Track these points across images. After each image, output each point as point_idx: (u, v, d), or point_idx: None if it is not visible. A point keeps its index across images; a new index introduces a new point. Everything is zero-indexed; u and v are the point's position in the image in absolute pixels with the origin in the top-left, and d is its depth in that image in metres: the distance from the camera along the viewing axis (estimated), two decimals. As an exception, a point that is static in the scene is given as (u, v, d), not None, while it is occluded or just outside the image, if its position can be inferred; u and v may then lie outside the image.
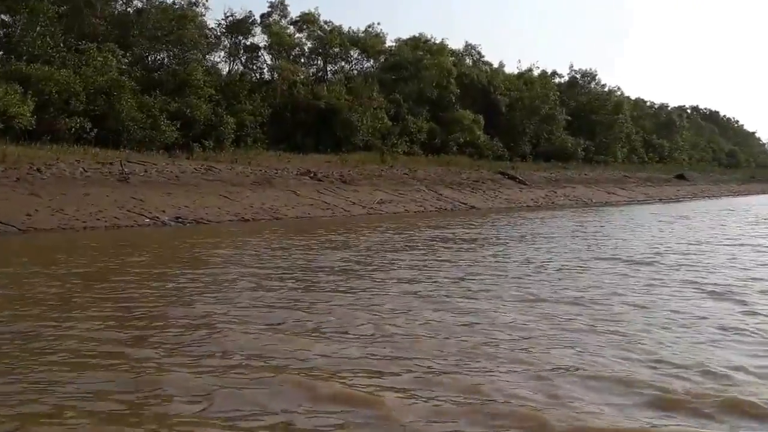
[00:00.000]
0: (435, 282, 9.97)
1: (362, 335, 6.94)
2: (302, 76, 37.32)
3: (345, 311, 7.90)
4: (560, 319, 7.65)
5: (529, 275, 10.76)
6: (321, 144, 34.83)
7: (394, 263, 12.06)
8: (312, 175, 28.16)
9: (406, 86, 41.59)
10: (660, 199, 42.78)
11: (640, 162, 60.97)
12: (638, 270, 11.37)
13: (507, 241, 16.16)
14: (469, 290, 9.31)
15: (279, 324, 7.28)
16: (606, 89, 60.07)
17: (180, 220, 18.89)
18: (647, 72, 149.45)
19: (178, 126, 28.40)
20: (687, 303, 8.57)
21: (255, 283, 9.68)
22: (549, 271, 11.30)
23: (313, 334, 6.92)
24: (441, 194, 30.63)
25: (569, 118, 52.34)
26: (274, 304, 8.33)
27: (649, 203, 39.18)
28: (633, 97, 71.14)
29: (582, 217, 25.81)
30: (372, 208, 25.42)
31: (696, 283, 10.01)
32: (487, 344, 6.60)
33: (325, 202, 24.58)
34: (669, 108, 76.67)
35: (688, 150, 75.14)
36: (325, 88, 36.75)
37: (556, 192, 37.35)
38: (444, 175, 34.42)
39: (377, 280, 10.13)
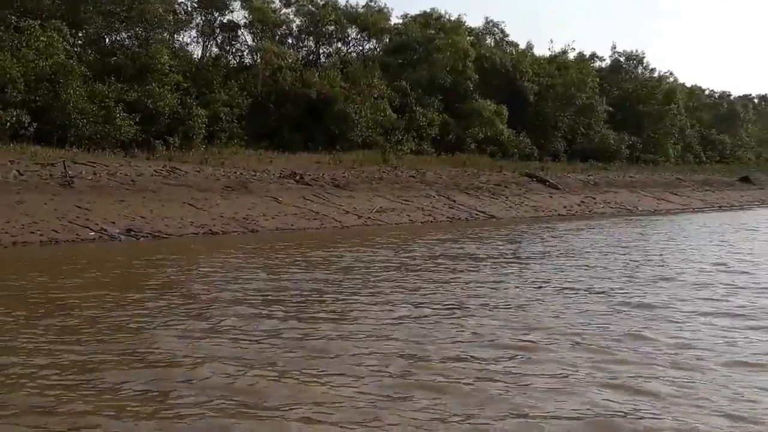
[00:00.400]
0: (418, 320, 9.44)
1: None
2: (289, 60, 37.09)
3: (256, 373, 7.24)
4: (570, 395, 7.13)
5: (537, 303, 10.32)
6: (311, 141, 34.53)
7: (376, 289, 11.70)
8: (298, 178, 27.78)
9: (414, 72, 41.29)
10: (720, 207, 42.10)
11: (696, 162, 60.37)
12: (692, 304, 10.88)
13: (525, 259, 15.67)
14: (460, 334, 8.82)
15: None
16: (655, 75, 59.75)
17: (132, 233, 18.48)
18: (705, 55, 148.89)
19: (138, 120, 28.06)
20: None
21: (173, 317, 9.24)
22: (567, 301, 10.85)
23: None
24: (454, 201, 30.17)
25: (611, 109, 51.89)
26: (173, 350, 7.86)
27: (707, 211, 38.77)
28: (688, 85, 70.87)
29: (623, 229, 25.36)
30: (370, 217, 25.01)
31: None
32: None
33: (313, 211, 24.17)
34: (731, 97, 76.17)
35: (754, 147, 74.57)
36: (317, 74, 36.43)
37: (594, 198, 36.81)
38: (458, 177, 33.97)
39: (343, 314, 9.69)
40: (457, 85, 42.71)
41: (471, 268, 14.28)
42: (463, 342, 8.44)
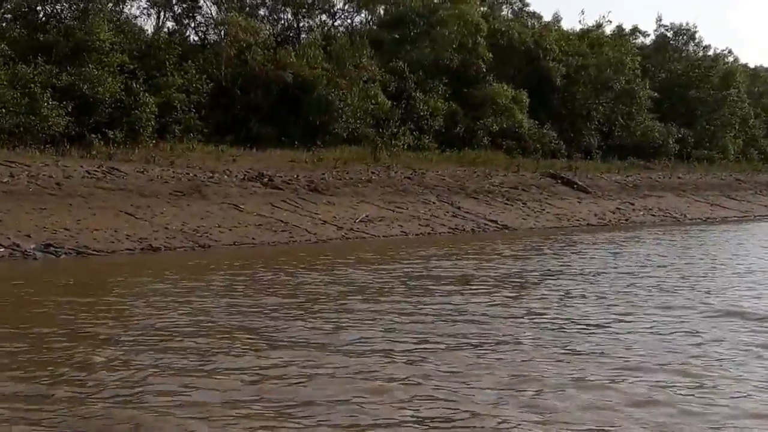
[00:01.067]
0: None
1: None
2: (261, 36, 36.67)
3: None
4: None
5: (529, 342, 9.89)
6: (286, 135, 34.14)
7: (319, 322, 11.31)
8: (266, 180, 27.51)
9: (414, 50, 41.00)
10: None
11: (761, 159, 59.84)
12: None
13: (522, 284, 15.24)
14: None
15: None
16: (710, 53, 59.27)
17: (52, 249, 18.11)
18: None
19: (71, 109, 27.71)
20: None
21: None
22: (569, 339, 10.41)
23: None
24: (459, 208, 29.93)
25: (656, 95, 51.44)
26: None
27: None
28: (751, 65, 70.41)
29: (663, 241, 25.12)
30: (352, 229, 24.75)
31: None
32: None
33: (281, 221, 23.91)
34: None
35: (835, 141, 74.05)
36: (294, 53, 36.06)
37: (632, 204, 36.60)
38: (466, 179, 33.69)
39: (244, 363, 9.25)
40: (466, 66, 42.29)
41: (445, 294, 13.89)
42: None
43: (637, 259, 20.06)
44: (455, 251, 21.05)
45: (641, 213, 35.28)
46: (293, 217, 24.61)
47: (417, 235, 25.72)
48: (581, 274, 16.90)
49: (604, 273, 17.14)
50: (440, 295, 13.77)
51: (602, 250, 22.36)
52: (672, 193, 40.89)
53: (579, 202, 34.85)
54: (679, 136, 51.88)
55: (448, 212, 29.18)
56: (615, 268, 18.15)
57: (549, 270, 17.52)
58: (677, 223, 34.20)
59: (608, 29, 52.92)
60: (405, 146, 37.03)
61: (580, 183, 37.29)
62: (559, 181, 37.09)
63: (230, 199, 24.91)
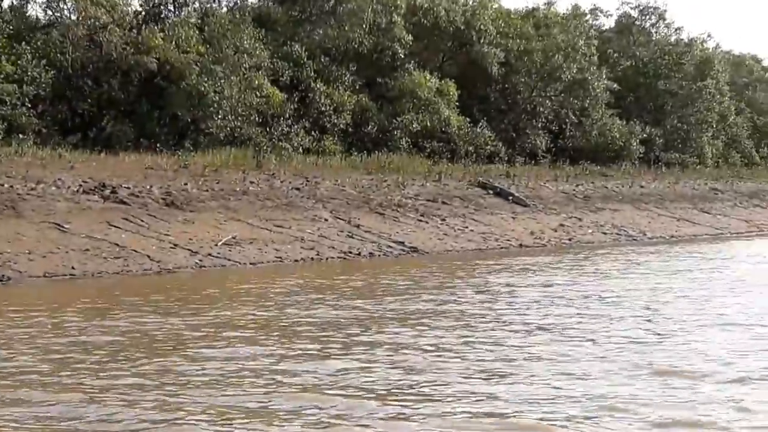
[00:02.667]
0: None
1: None
2: (120, 13, 35.45)
3: None
4: None
5: None
6: (147, 135, 33.33)
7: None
8: (110, 192, 26.02)
9: (314, 31, 40.05)
10: None
11: (744, 164, 59.65)
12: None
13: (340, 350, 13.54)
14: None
15: None
16: (683, 37, 59.00)
17: None
18: (763, 13, 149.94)
19: None
20: None
21: None
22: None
23: None
24: (358, 226, 28.69)
25: (615, 86, 50.83)
26: None
27: (750, 237, 38.13)
28: (734, 52, 70.48)
29: (608, 271, 24.11)
30: (210, 254, 23.28)
31: None
32: None
33: (117, 245, 22.41)
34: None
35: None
36: (160, 34, 34.78)
37: (580, 219, 35.89)
38: (372, 189, 32.64)
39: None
40: (380, 50, 41.60)
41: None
42: None
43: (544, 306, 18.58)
44: (327, 288, 19.77)
45: (590, 231, 34.40)
46: (135, 239, 23.09)
47: (296, 261, 24.41)
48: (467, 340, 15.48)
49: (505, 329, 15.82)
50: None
51: (517, 290, 21.09)
52: (631, 205, 40.24)
53: (513, 218, 33.87)
54: (645, 136, 51.33)
55: (342, 231, 27.86)
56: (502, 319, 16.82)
57: (406, 310, 16.15)
58: (633, 243, 33.47)
59: (562, 7, 52.43)
60: (300, 149, 35.89)
61: (517, 194, 36.36)
62: (491, 192, 36.16)
63: (54, 216, 23.29)
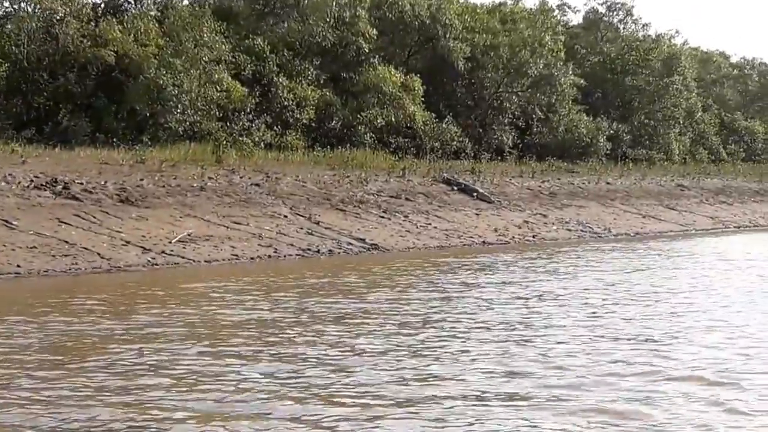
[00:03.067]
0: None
1: None
2: (75, 6, 34.98)
3: None
4: None
5: None
6: (103, 130, 32.89)
7: None
8: (62, 187, 25.43)
9: (278, 24, 39.58)
10: (738, 227, 41.34)
11: (711, 160, 59.58)
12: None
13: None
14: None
15: None
16: (651, 33, 59.00)
17: None
18: (732, 9, 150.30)
19: None
20: None
21: None
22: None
23: None
24: (318, 222, 28.16)
25: (582, 82, 50.61)
26: None
27: (716, 233, 38.06)
28: (702, 49, 70.55)
29: (566, 270, 23.72)
30: (164, 252, 22.70)
31: None
32: None
33: (67, 242, 21.79)
34: (764, 66, 76.28)
35: (799, 139, 74.68)
36: (118, 26, 34.30)
37: (545, 216, 35.45)
38: (334, 185, 32.17)
39: None
40: (344, 44, 41.24)
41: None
42: None
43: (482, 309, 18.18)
44: (279, 287, 19.30)
45: (554, 227, 33.99)
46: (86, 236, 22.47)
47: (253, 258, 23.80)
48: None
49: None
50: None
51: (468, 288, 20.66)
52: (597, 202, 39.85)
53: (477, 215, 33.42)
54: (612, 132, 51.16)
55: (302, 228, 27.31)
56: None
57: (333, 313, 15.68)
58: (598, 240, 33.07)
59: (529, 3, 52.16)
60: (261, 144, 35.45)
61: (482, 190, 35.94)
62: (455, 188, 35.72)
63: (2, 213, 22.67)
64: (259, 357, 11.92)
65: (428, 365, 11.55)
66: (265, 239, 25.53)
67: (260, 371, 11.07)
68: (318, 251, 25.56)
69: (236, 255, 23.77)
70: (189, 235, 24.27)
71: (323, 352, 12.19)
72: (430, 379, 10.83)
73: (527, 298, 17.58)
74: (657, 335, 13.77)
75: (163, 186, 27.77)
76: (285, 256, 24.57)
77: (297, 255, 24.98)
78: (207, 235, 24.64)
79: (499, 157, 45.33)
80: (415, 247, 27.99)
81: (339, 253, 25.86)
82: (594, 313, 15.94)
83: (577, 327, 14.43)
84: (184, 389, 10.19)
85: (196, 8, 36.78)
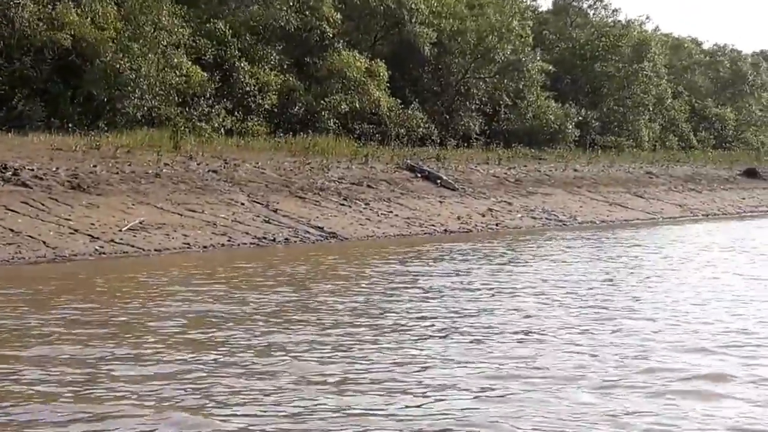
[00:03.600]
0: None
1: None
2: None
3: None
4: None
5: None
6: (59, 115, 32.13)
7: None
8: (11, 174, 24.84)
9: (238, 8, 39.14)
10: (706, 215, 41.16)
11: (681, 147, 59.36)
12: None
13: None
14: None
15: None
16: (620, 19, 58.65)
17: None
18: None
19: None
20: None
21: None
22: None
23: None
24: (276, 210, 27.65)
25: (551, 68, 50.23)
26: None
27: (683, 222, 37.90)
28: (673, 35, 70.39)
29: (520, 260, 23.41)
30: (113, 240, 22.14)
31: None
32: None
33: (12, 230, 21.23)
34: (739, 54, 75.98)
35: (770, 126, 74.71)
36: (75, 9, 33.61)
37: (510, 203, 35.11)
38: (294, 172, 31.71)
39: None
40: (308, 29, 40.59)
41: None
42: None
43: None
44: (226, 278, 18.74)
45: (519, 215, 33.62)
46: (32, 224, 21.87)
47: (206, 247, 23.26)
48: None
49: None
50: None
51: (411, 277, 20.22)
52: (563, 189, 39.56)
53: (440, 202, 33.03)
54: (580, 119, 50.81)
55: (258, 216, 26.79)
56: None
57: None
58: (562, 228, 32.82)
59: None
60: (222, 130, 34.87)
61: (446, 178, 35.56)
62: (419, 176, 35.32)
63: (-56, 200, 22.16)
64: (159, 357, 11.30)
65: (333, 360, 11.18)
66: (219, 227, 25.00)
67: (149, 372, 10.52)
68: (274, 240, 25.06)
69: (188, 244, 23.23)
70: (140, 223, 23.74)
71: (235, 350, 11.69)
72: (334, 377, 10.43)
73: (475, 290, 17.18)
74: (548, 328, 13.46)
75: (117, 172, 27.18)
76: (239, 245, 24.05)
77: (252, 244, 24.47)
78: (159, 223, 24.11)
79: (466, 144, 44.93)
80: (374, 235, 27.55)
81: (296, 241, 25.37)
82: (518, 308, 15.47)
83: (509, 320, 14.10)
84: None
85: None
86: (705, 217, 40.36)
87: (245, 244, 24.29)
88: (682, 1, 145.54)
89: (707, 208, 42.95)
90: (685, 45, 71.12)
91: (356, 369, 10.72)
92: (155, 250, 22.26)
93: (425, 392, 9.78)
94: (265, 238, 25.12)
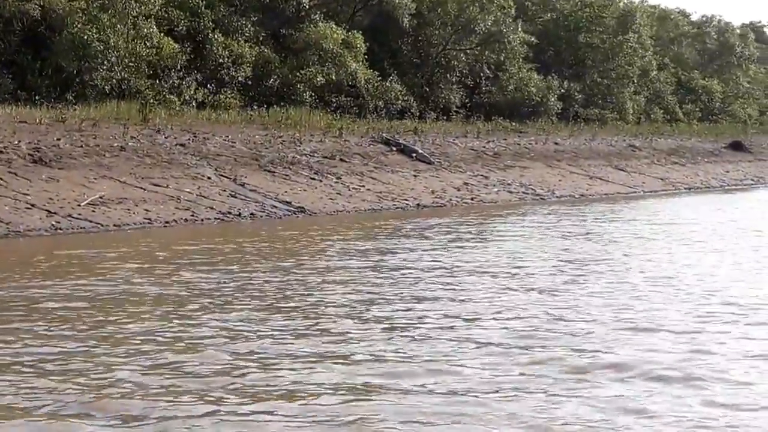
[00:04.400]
0: None
1: None
2: None
3: None
4: None
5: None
6: (27, 87, 31.54)
7: None
8: (-30, 147, 24.32)
9: None
10: (689, 188, 40.84)
11: (666, 120, 58.80)
12: None
13: None
14: None
15: None
16: (606, -10, 57.82)
17: None
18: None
19: None
20: None
21: None
22: None
23: None
24: (243, 185, 27.15)
25: (533, 39, 49.56)
26: None
27: (663, 195, 37.70)
28: (660, 5, 69.82)
29: (483, 237, 23.05)
30: (71, 215, 21.64)
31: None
32: None
33: (-35, 206, 20.71)
34: (727, 25, 75.35)
35: (758, 99, 73.90)
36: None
37: (487, 177, 34.64)
38: (264, 146, 31.10)
39: None
40: (284, 0, 39.65)
41: None
42: None
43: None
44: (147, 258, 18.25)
45: (495, 189, 33.15)
46: (-14, 199, 21.44)
47: (168, 222, 22.77)
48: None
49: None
50: None
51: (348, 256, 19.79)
52: (543, 163, 39.11)
53: (415, 176, 32.53)
54: (563, 91, 50.16)
55: (225, 191, 26.25)
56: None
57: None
58: (540, 202, 32.52)
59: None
60: (193, 103, 34.26)
61: (421, 151, 34.99)
62: (394, 149, 34.75)
63: None
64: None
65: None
66: (183, 202, 24.50)
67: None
68: (239, 214, 24.60)
69: (149, 219, 22.74)
70: (101, 197, 23.23)
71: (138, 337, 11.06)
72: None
73: (424, 270, 16.62)
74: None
75: (81, 146, 26.59)
76: (203, 220, 23.60)
77: (216, 219, 24.01)
78: (121, 198, 23.61)
79: (445, 117, 44.33)
80: (344, 210, 27.10)
81: (262, 216, 24.94)
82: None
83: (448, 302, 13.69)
84: None
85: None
86: (687, 191, 40.04)
87: (209, 219, 23.80)
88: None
89: (690, 181, 42.60)
90: (672, 16, 70.40)
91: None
92: (114, 225, 21.77)
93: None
94: (230, 212, 24.63)
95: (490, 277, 15.82)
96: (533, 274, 16.21)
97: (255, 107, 36.22)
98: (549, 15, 53.88)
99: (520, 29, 48.05)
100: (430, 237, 21.61)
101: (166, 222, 22.82)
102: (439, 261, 17.65)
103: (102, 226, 21.54)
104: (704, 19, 75.17)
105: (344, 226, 23.82)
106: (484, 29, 46.07)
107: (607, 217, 27.64)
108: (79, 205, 22.30)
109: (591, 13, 54.00)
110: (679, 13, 73.93)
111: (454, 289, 14.52)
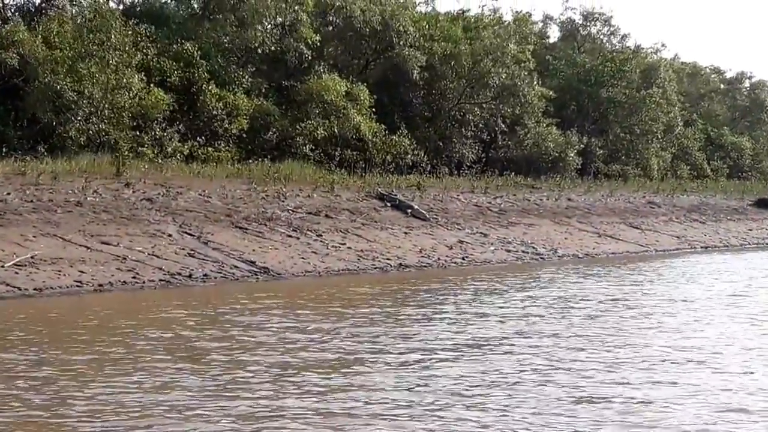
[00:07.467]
0: None
1: None
2: None
3: None
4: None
5: None
6: (3, 139, 29.57)
7: None
8: None
9: (215, 29, 36.13)
10: (705, 247, 37.12)
11: (692, 177, 55.15)
12: None
13: None
14: None
15: None
16: (630, 45, 55.08)
17: None
18: (718, 24, 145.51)
19: None
20: None
21: None
22: None
23: None
24: (208, 242, 24.22)
25: (552, 93, 46.48)
26: None
27: (676, 254, 34.35)
28: (695, 63, 66.80)
29: (442, 308, 19.47)
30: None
31: None
32: None
33: None
34: (760, 81, 71.82)
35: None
36: (24, 28, 30.71)
37: (486, 234, 31.38)
38: (243, 200, 28.35)
39: None
40: (285, 52, 37.32)
41: None
42: None
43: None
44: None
45: (492, 248, 29.81)
46: None
47: (102, 285, 19.82)
48: None
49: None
50: None
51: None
52: (551, 220, 35.82)
53: (405, 233, 29.38)
54: (582, 146, 46.86)
55: (183, 249, 23.27)
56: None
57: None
58: (538, 262, 29.30)
59: (493, 14, 48.03)
60: (178, 155, 31.50)
61: (417, 207, 31.96)
62: (388, 204, 31.74)
63: None
64: None
65: None
66: (129, 262, 21.55)
67: None
68: (190, 276, 21.66)
69: (80, 282, 19.84)
70: (32, 257, 20.32)
71: None
72: None
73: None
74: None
75: (32, 201, 24.00)
76: (145, 283, 20.64)
77: (161, 281, 21.05)
78: (56, 258, 20.75)
79: (458, 172, 41.47)
80: (315, 271, 23.98)
81: (217, 278, 22.01)
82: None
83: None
84: None
85: (103, 6, 32.75)
86: (704, 250, 36.36)
87: (152, 281, 20.89)
88: (705, 30, 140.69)
89: (708, 239, 38.90)
90: (702, 72, 67.17)
91: None
92: (35, 289, 18.93)
93: None
94: (179, 274, 21.66)
95: None
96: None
97: (252, 161, 33.47)
98: (571, 70, 50.68)
99: (536, 83, 44.91)
100: (392, 308, 18.29)
101: (100, 285, 19.90)
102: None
103: (19, 290, 18.63)
104: (736, 75, 71.85)
105: (300, 292, 20.67)
106: (497, 82, 43.02)
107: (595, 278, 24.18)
108: (1, 266, 19.37)
109: (613, 67, 50.86)
110: (712, 70, 70.77)
111: None
